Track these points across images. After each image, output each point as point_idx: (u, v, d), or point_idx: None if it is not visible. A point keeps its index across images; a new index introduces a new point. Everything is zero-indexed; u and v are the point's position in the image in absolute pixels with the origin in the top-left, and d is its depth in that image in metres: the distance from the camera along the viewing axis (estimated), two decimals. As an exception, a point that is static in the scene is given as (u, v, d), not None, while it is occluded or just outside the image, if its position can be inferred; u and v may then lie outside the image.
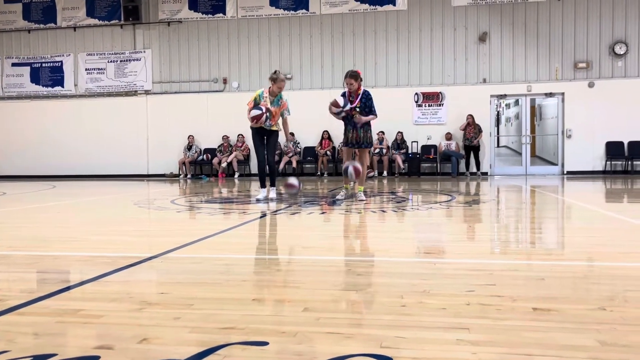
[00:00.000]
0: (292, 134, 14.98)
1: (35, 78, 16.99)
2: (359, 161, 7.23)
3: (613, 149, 14.09)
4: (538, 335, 1.80)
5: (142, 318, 2.07)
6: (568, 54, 14.40)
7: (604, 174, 13.98)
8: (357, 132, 6.98)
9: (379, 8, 15.09)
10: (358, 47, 15.27)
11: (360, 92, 6.90)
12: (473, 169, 14.52)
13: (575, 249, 3.71)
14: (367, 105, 6.91)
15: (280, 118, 7.11)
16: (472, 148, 14.38)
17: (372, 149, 14.51)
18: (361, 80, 7.00)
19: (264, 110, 6.82)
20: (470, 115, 14.31)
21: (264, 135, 7.10)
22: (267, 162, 7.21)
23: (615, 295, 2.34)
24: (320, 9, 15.38)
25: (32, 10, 16.85)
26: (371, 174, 14.28)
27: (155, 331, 1.90)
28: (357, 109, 6.85)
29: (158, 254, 3.37)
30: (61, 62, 16.83)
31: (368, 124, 7.03)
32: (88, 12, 16.57)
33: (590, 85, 14.21)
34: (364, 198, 7.04)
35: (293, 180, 7.28)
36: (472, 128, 14.29)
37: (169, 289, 2.57)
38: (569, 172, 14.36)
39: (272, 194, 7.16)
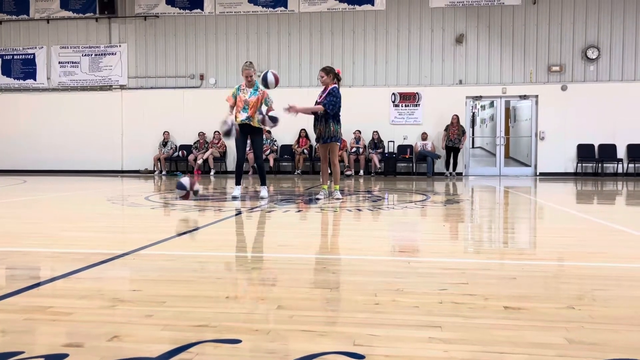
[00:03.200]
0: (269, 132, 14.94)
1: (6, 70, 16.61)
2: (325, 158, 7.06)
3: (584, 152, 14.38)
4: (508, 334, 1.83)
5: (114, 315, 2.04)
6: (542, 58, 14.64)
7: (575, 176, 14.26)
8: (319, 126, 6.84)
9: (357, 7, 15.12)
10: (336, 46, 15.29)
11: (330, 87, 6.74)
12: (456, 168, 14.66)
13: (546, 248, 3.78)
14: (327, 99, 6.71)
15: (265, 107, 7.06)
16: (453, 149, 14.37)
17: (348, 146, 14.55)
18: (335, 77, 6.81)
19: (229, 124, 6.82)
20: (456, 115, 14.33)
21: (247, 133, 7.06)
22: (256, 161, 7.31)
23: (584, 294, 2.38)
24: (299, 7, 15.35)
25: (4, 1, 16.46)
26: (348, 172, 14.32)
27: (126, 329, 1.88)
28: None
29: (131, 251, 3.33)
30: (33, 54, 16.49)
31: (330, 118, 6.72)
32: (62, 4, 16.25)
33: (563, 88, 14.48)
34: (340, 196, 7.01)
35: (185, 180, 6.44)
36: (455, 129, 14.28)
37: (141, 286, 2.54)
38: (541, 174, 14.61)
39: (264, 192, 7.16)
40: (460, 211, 6.15)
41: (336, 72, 6.88)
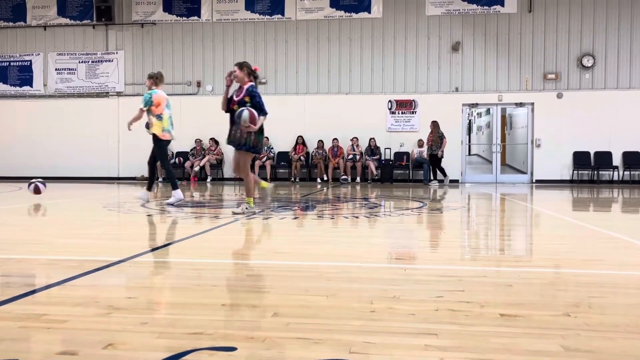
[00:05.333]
0: (267, 138, 14.93)
1: (2, 77, 16.58)
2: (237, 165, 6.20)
3: (580, 159, 14.42)
4: (504, 341, 1.83)
5: (109, 323, 2.03)
6: (538, 65, 14.71)
7: (571, 183, 14.29)
8: (232, 130, 6.02)
9: (354, 15, 15.18)
10: (333, 54, 15.34)
11: (246, 86, 5.98)
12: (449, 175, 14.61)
13: (543, 256, 3.78)
14: (252, 102, 5.88)
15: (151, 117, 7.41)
16: (433, 157, 13.93)
17: (345, 153, 14.55)
18: (251, 73, 6.03)
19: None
20: (432, 122, 13.97)
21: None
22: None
23: (580, 301, 2.39)
24: (296, 15, 15.40)
25: (1, 8, 16.47)
26: (345, 177, 14.32)
27: (121, 336, 1.87)
28: (247, 104, 5.85)
29: (126, 258, 3.32)
30: (30, 61, 16.48)
31: (255, 124, 5.82)
32: (59, 11, 16.26)
33: (559, 96, 14.54)
34: (240, 211, 6.02)
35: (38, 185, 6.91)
36: (432, 136, 13.88)
37: (137, 293, 2.53)
38: (537, 181, 14.64)
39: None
40: (457, 218, 6.15)
41: (253, 68, 6.10)
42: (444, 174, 14.10)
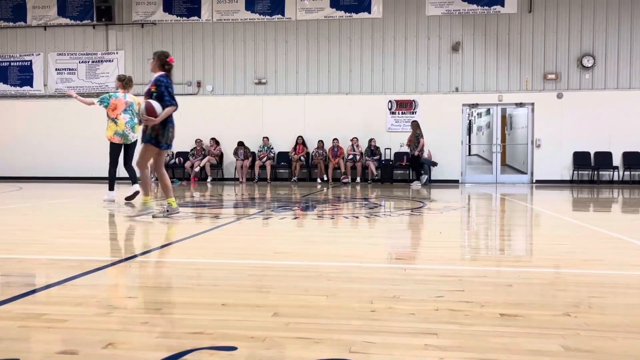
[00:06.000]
0: (267, 138, 14.95)
1: (3, 77, 16.58)
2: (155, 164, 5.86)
3: (580, 159, 14.42)
4: (504, 341, 1.83)
5: (109, 323, 2.04)
6: (538, 66, 14.71)
7: (571, 183, 14.29)
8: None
9: (354, 15, 15.19)
10: (333, 54, 15.34)
11: (156, 75, 5.72)
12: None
13: (543, 256, 3.78)
14: (157, 92, 5.58)
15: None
16: (412, 158, 13.67)
17: (345, 154, 14.55)
18: (163, 65, 5.71)
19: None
20: (412, 121, 13.84)
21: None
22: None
23: (580, 301, 2.39)
24: (296, 15, 15.40)
25: (1, 8, 16.47)
26: (345, 180, 14.32)
27: (121, 336, 1.87)
28: (154, 94, 5.56)
29: (126, 258, 3.32)
30: (30, 61, 16.48)
31: (155, 115, 5.47)
32: (59, 11, 16.27)
33: (559, 96, 14.54)
34: (160, 215, 5.65)
35: None
36: (410, 136, 13.66)
37: (137, 293, 2.53)
38: (537, 181, 14.64)
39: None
40: (457, 218, 6.15)
41: (167, 59, 5.75)
42: (418, 175, 13.77)
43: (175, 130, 5.83)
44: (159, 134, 5.58)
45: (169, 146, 5.78)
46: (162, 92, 5.54)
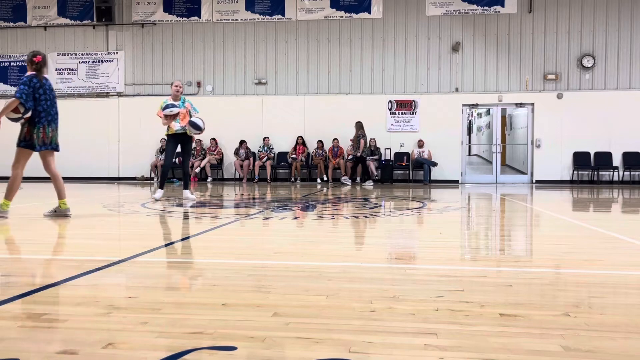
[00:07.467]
0: (267, 138, 14.95)
1: (3, 77, 16.59)
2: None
3: (580, 159, 14.42)
4: (504, 341, 1.83)
5: (109, 323, 2.04)
6: (538, 66, 14.71)
7: (571, 184, 14.29)
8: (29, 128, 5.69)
9: (354, 15, 15.19)
10: (333, 54, 15.34)
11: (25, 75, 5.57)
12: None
13: (543, 256, 3.78)
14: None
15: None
16: (356, 159, 13.84)
17: (345, 154, 14.54)
18: (33, 64, 5.63)
19: (177, 104, 8.01)
20: (356, 122, 14.02)
21: (178, 142, 8.06)
22: (186, 168, 8.30)
23: (580, 301, 2.39)
24: (296, 15, 15.40)
25: (1, 8, 16.47)
26: (347, 181, 14.31)
27: (121, 336, 1.87)
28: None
29: (126, 258, 3.32)
30: (30, 61, 16.46)
31: (31, 117, 5.51)
32: (59, 11, 16.27)
33: (559, 96, 14.54)
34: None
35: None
36: (353, 137, 13.78)
37: (137, 293, 2.53)
38: (537, 181, 14.64)
39: (187, 194, 8.08)
40: (457, 218, 6.15)
41: (33, 59, 5.60)
42: (363, 177, 13.91)
43: (55, 131, 5.80)
44: (31, 134, 5.70)
45: (49, 147, 5.74)
46: (19, 89, 5.43)
